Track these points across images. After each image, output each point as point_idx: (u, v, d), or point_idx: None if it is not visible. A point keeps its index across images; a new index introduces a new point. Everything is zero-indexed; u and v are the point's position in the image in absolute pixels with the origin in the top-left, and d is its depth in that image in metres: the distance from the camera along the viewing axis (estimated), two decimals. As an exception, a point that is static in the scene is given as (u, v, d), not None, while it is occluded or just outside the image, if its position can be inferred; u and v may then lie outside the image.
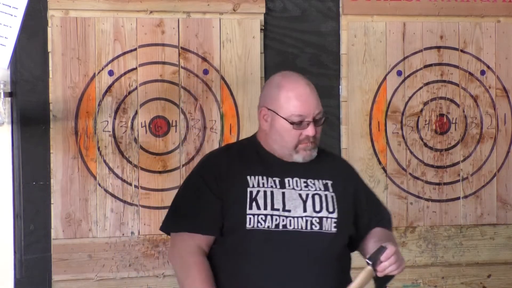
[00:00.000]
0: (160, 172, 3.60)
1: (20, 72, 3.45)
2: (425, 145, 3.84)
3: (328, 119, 3.67)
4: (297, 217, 2.67)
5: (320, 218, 2.68)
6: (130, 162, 3.57)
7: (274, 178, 2.72)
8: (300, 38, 3.74)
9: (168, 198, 3.55)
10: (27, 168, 3.46)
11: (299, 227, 2.66)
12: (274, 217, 2.66)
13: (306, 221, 2.67)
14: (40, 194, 3.48)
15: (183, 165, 3.61)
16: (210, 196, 2.68)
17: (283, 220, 2.66)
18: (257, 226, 2.64)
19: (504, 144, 3.92)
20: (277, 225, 2.65)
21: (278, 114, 2.67)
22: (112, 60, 3.55)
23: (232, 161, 2.76)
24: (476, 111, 3.89)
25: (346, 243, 2.75)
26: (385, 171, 3.78)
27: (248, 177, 2.70)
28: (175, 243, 2.70)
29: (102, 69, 3.54)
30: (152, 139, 3.59)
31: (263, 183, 2.70)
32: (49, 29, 3.49)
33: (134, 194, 3.57)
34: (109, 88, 3.55)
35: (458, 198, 3.87)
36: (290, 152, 2.71)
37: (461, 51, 3.87)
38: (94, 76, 3.53)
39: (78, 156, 3.51)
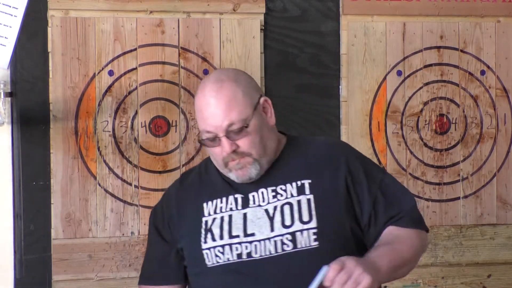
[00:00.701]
0: (160, 172, 3.59)
1: (20, 72, 3.45)
2: (425, 145, 3.84)
3: (328, 119, 3.73)
4: (264, 240, 2.21)
5: (293, 234, 2.19)
6: (130, 162, 3.57)
7: (236, 196, 2.29)
8: (300, 38, 3.74)
9: (168, 198, 3.55)
10: (27, 168, 3.46)
11: (267, 253, 2.20)
12: (234, 246, 2.22)
13: (275, 242, 2.20)
14: (40, 194, 3.48)
15: (183, 165, 3.61)
16: (162, 246, 2.40)
17: (246, 248, 2.22)
18: (217, 262, 2.24)
19: (504, 144, 3.91)
20: (239, 255, 2.22)
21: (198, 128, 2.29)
22: (112, 60, 3.55)
23: (186, 193, 2.38)
24: (476, 111, 3.89)
25: (345, 253, 2.12)
26: (385, 171, 3.78)
27: (205, 204, 2.32)
28: None
29: (102, 69, 3.54)
30: (152, 139, 3.59)
31: (221, 208, 2.29)
32: (49, 29, 3.49)
33: (134, 194, 3.57)
34: (109, 88, 3.55)
35: (458, 198, 3.87)
36: (224, 171, 2.29)
37: (461, 51, 3.87)
38: (94, 76, 3.53)
39: (78, 156, 3.51)
